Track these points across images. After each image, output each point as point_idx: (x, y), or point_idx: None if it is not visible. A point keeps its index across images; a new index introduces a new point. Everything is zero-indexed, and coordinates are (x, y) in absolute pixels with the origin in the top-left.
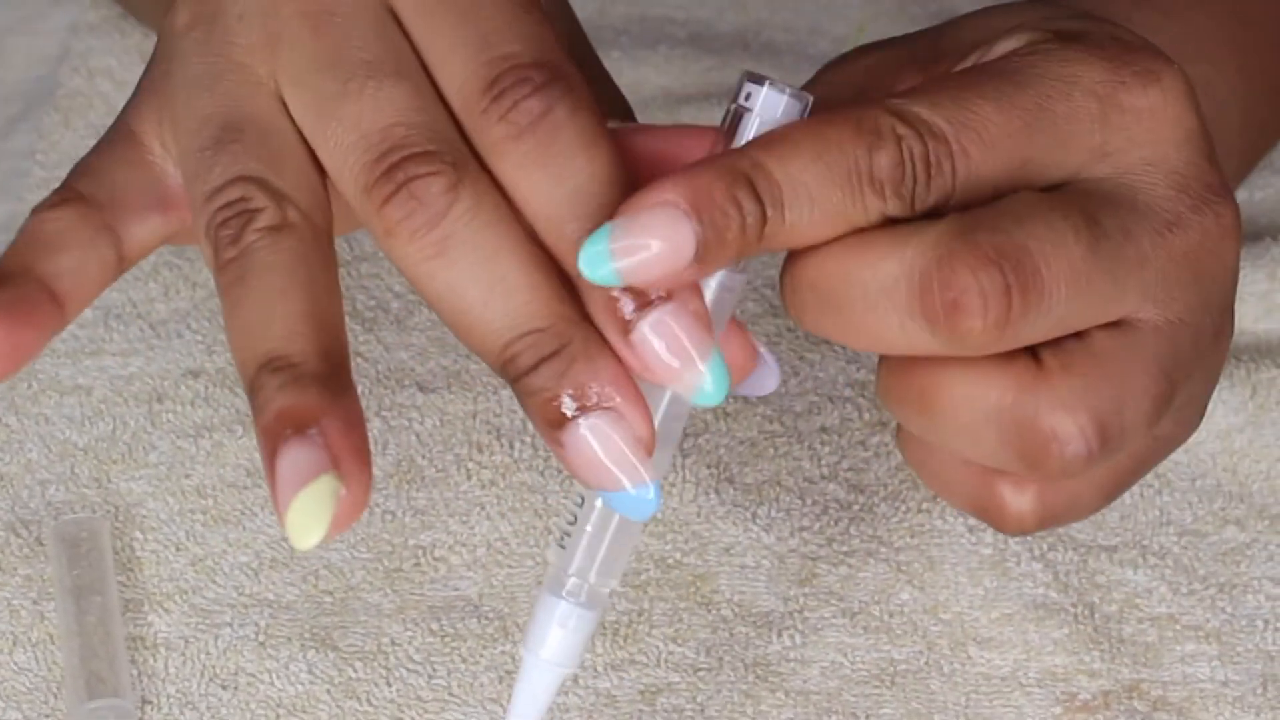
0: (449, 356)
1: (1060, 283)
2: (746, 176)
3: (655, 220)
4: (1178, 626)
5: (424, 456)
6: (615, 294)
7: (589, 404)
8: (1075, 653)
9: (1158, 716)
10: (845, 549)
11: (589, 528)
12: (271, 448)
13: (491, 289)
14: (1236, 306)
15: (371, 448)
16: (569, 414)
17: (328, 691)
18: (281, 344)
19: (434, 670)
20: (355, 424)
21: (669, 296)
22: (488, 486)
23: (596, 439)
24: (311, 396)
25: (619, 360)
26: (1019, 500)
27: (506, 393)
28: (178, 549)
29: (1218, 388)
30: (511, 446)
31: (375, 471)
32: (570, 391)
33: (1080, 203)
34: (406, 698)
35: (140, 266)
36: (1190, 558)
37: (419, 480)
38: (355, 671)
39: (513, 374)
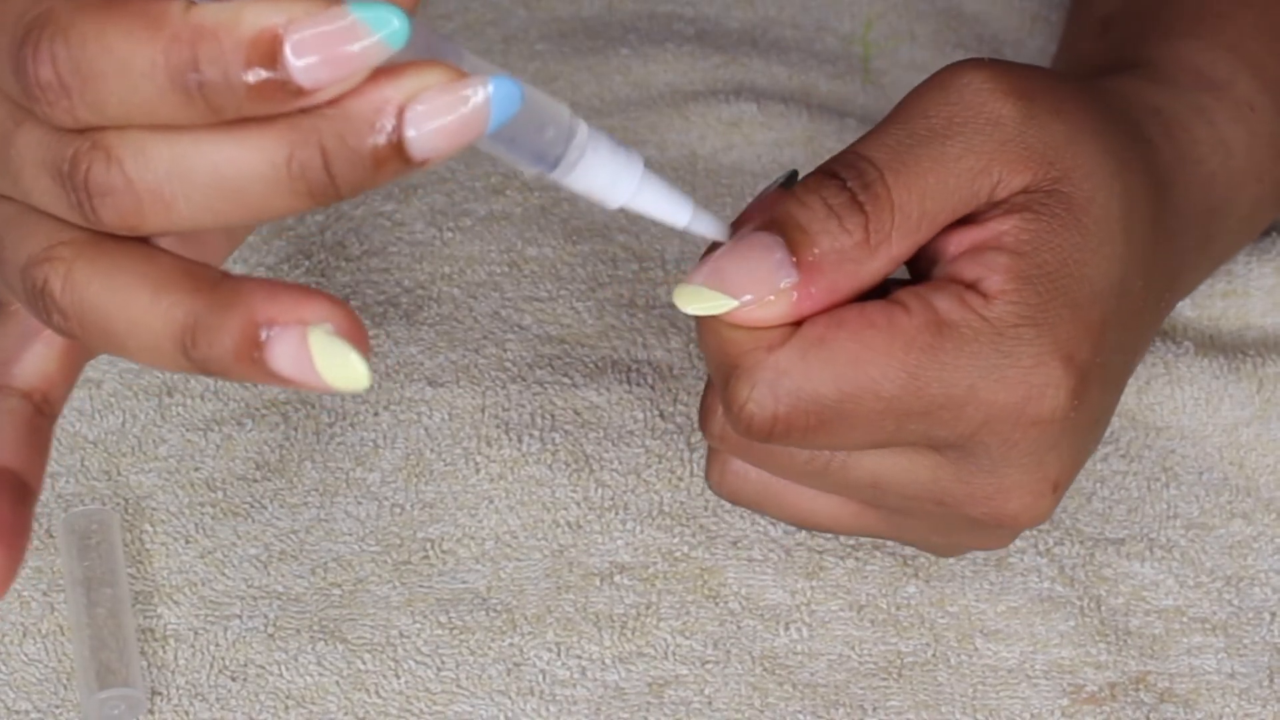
0: (457, 351)
1: None
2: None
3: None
4: (1184, 619)
5: (432, 450)
6: None
7: None
8: (1082, 645)
9: (1164, 708)
10: (852, 542)
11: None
12: None
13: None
14: (1244, 302)
15: (381, 442)
16: None
17: (336, 683)
18: None
19: (442, 662)
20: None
21: None
22: (496, 480)
23: None
24: None
25: None
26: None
27: (515, 387)
28: (187, 541)
29: (1224, 382)
30: (520, 440)
31: (384, 465)
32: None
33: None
34: (415, 689)
35: None
36: (1197, 550)
37: (427, 474)
38: (364, 663)
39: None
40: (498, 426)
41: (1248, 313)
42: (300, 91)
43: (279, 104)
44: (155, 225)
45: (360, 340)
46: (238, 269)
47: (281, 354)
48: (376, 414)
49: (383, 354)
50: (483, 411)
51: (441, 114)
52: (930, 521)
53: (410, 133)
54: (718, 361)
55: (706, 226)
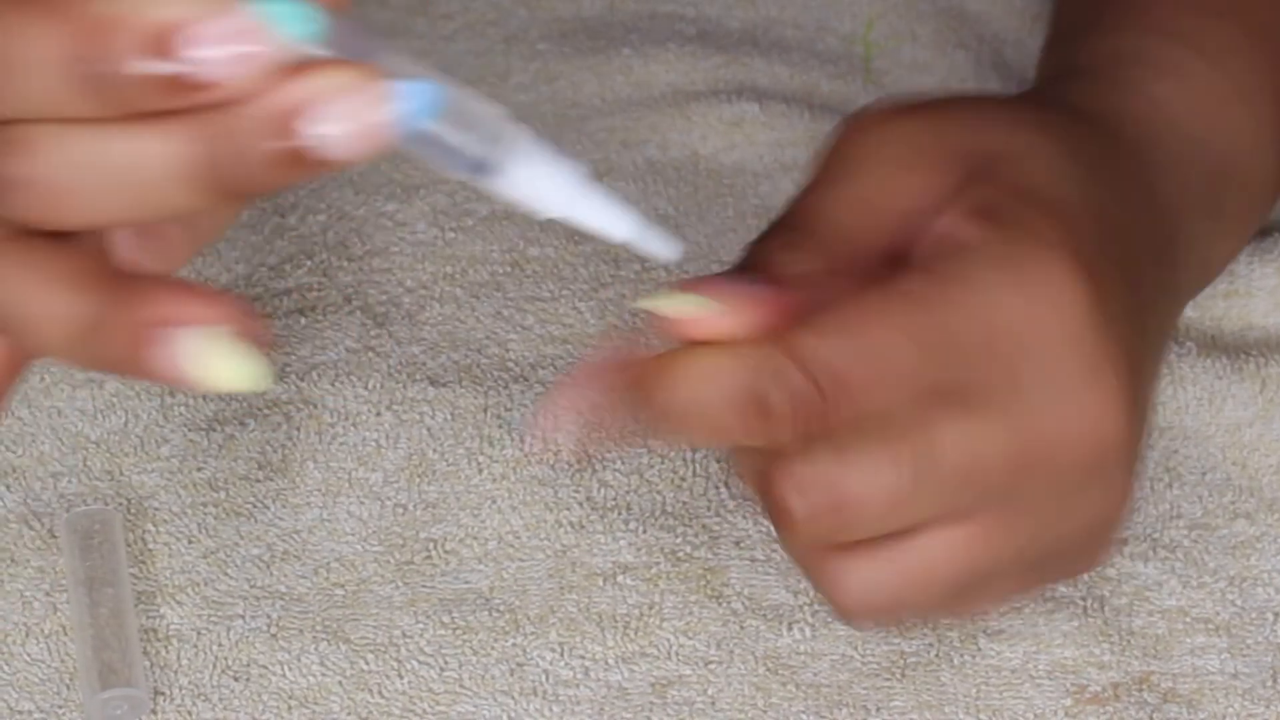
0: (460, 351)
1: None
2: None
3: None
4: (1188, 619)
5: (435, 450)
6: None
7: None
8: (1085, 645)
9: (1167, 708)
10: None
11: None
12: None
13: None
14: (1246, 302)
15: (384, 442)
16: None
17: (339, 683)
18: None
19: (445, 663)
20: None
21: None
22: (499, 480)
23: None
24: None
25: None
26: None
27: (518, 387)
28: (190, 541)
29: (1227, 382)
30: (522, 440)
31: (387, 465)
32: None
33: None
34: (418, 690)
35: None
36: (1200, 551)
37: (430, 474)
38: (367, 664)
39: None
40: (500, 426)
41: (1250, 313)
42: (199, 87)
43: (178, 99)
44: (62, 219)
45: (260, 341)
46: (240, 268)
47: (174, 353)
48: (379, 414)
49: (385, 354)
50: (485, 411)
51: (346, 117)
52: (1046, 500)
53: (312, 134)
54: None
55: (657, 245)
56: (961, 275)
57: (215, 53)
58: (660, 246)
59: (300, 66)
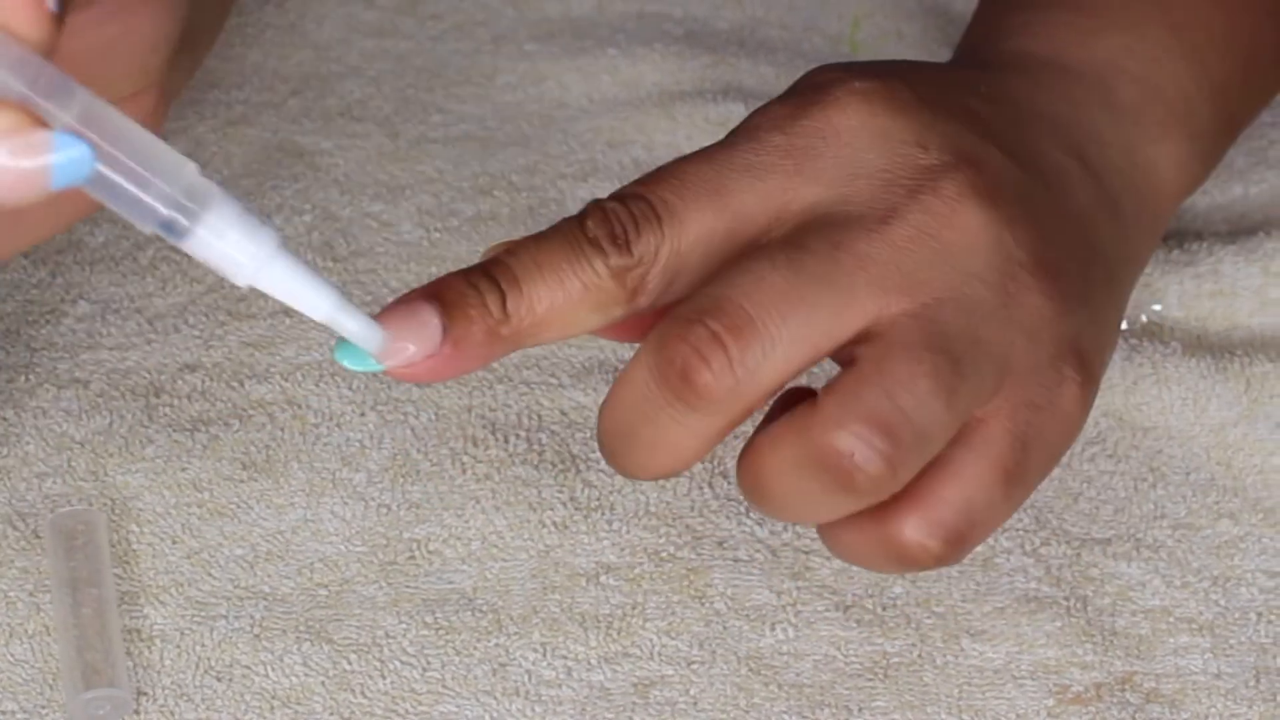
0: None
1: (769, 310)
2: (482, 267)
3: (406, 322)
4: (1171, 619)
5: (419, 451)
6: None
7: None
8: (1068, 645)
9: (1150, 708)
10: None
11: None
12: None
13: None
14: (1231, 302)
15: (368, 442)
16: None
17: (322, 684)
18: None
19: (428, 663)
20: None
21: None
22: (482, 480)
23: None
24: None
25: None
26: (913, 531)
27: (502, 387)
28: (174, 542)
29: (1211, 382)
30: (506, 441)
31: (370, 465)
32: None
33: (784, 237)
34: (401, 690)
35: (137, 261)
36: (1184, 551)
37: (414, 474)
38: (350, 664)
39: None
40: (484, 427)
41: (1235, 312)
42: None
43: None
44: None
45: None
46: None
47: None
48: (363, 414)
49: None
50: (469, 412)
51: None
52: (949, 277)
53: None
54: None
55: (354, 325)
56: (744, 120)
57: None
58: (361, 334)
59: None
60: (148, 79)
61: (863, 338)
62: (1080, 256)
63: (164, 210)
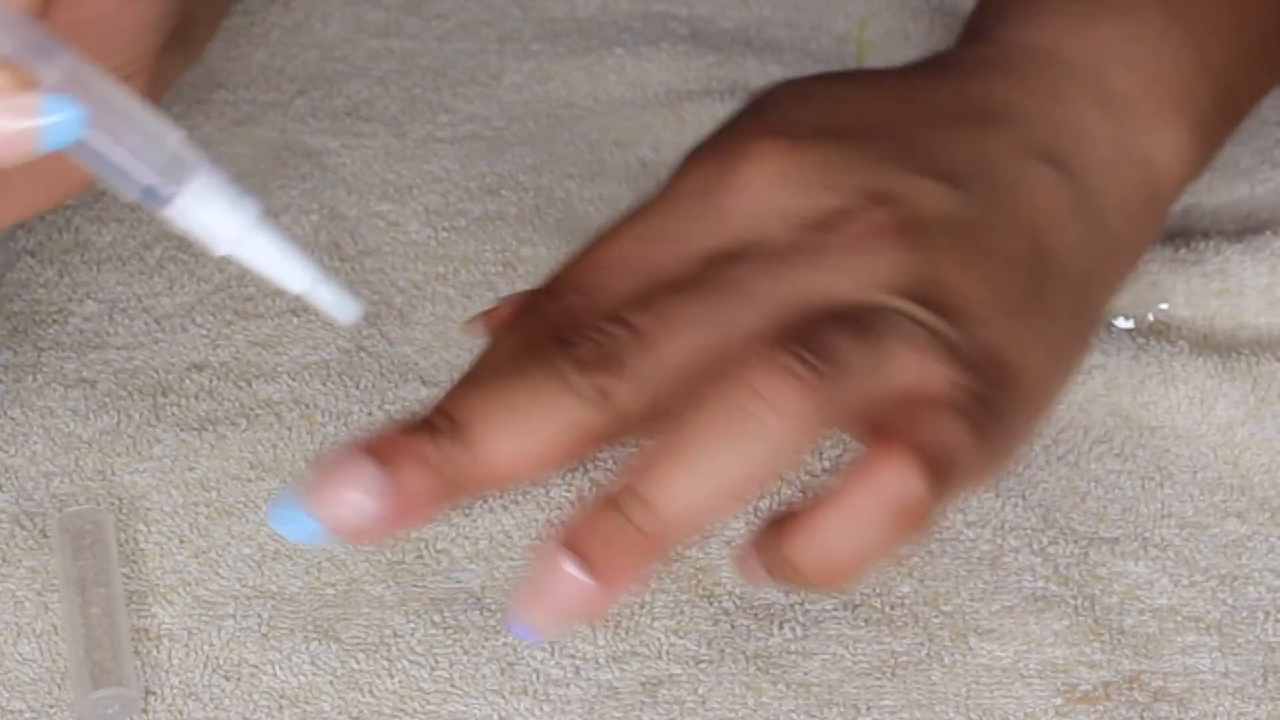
0: (452, 351)
1: (657, 331)
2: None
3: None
4: (1178, 618)
5: None
6: None
7: None
8: (1076, 644)
9: (1158, 707)
10: None
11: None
12: None
13: None
14: (1238, 300)
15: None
16: None
17: (330, 683)
18: None
19: (436, 662)
20: None
21: None
22: None
23: None
24: None
25: None
26: (898, 466)
27: None
28: (181, 541)
29: (1219, 381)
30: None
31: None
32: None
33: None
34: (409, 689)
35: (144, 260)
36: (1191, 550)
37: None
38: (358, 663)
39: None
40: None
41: (1242, 311)
42: None
43: None
44: None
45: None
46: (232, 268)
47: None
48: (370, 414)
49: (377, 354)
50: None
51: None
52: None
53: None
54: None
55: (335, 303)
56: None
57: None
58: (339, 305)
59: None
60: (140, 61)
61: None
62: (1028, 264)
63: (146, 178)
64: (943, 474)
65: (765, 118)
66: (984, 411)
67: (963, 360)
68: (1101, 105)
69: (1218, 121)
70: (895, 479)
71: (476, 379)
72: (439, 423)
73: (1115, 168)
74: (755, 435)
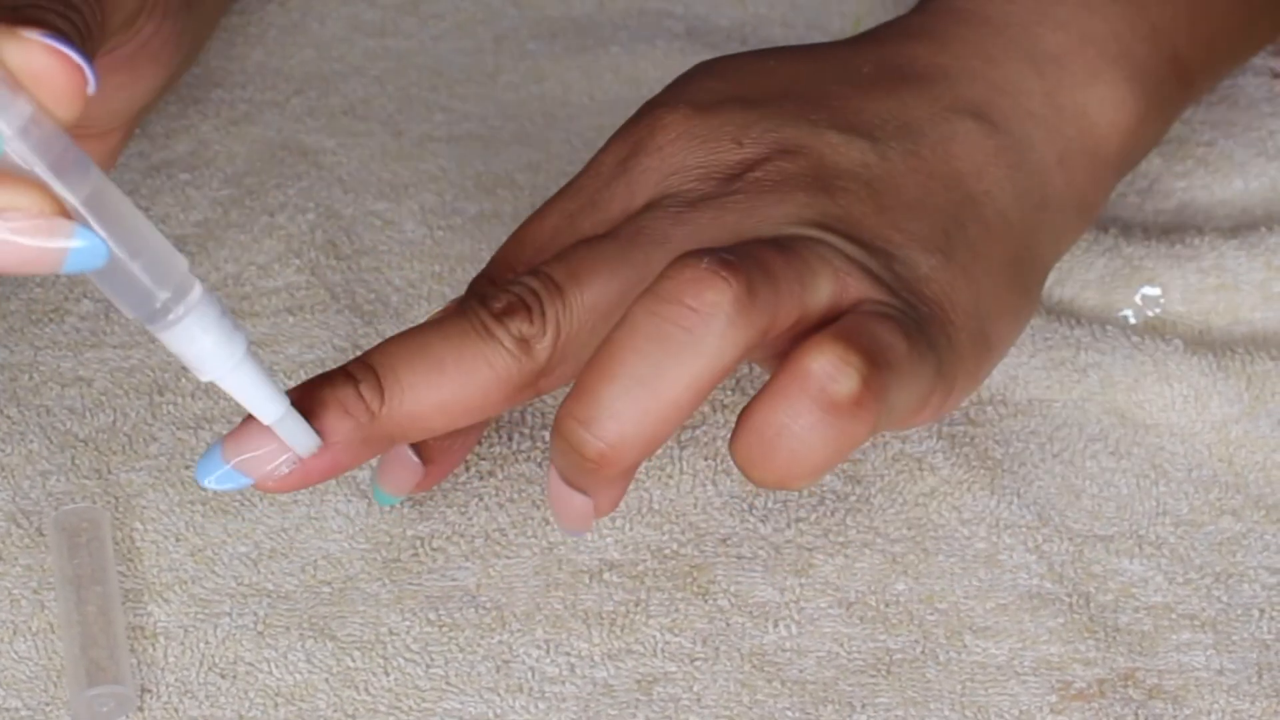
0: None
1: (573, 278)
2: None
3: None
4: (1173, 615)
5: None
6: None
7: None
8: (1070, 642)
9: (1153, 705)
10: (841, 540)
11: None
12: None
13: None
14: (1234, 296)
15: None
16: None
17: (326, 680)
18: None
19: (431, 659)
20: None
21: None
22: (485, 477)
23: None
24: None
25: None
26: (823, 355)
27: None
28: (177, 539)
29: (1213, 379)
30: (510, 438)
31: (374, 462)
32: None
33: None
34: (404, 687)
35: None
36: (1186, 547)
37: None
38: (353, 661)
39: None
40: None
41: (1238, 307)
42: None
43: None
44: None
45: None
46: (229, 267)
47: None
48: None
49: None
50: None
51: (17, 235)
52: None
53: None
54: None
55: (295, 433)
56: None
57: None
58: (299, 437)
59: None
60: (123, 121)
61: None
62: (947, 210)
63: (156, 299)
64: (874, 366)
65: (677, 94)
66: (913, 326)
67: (884, 286)
68: (1031, 63)
69: (1163, 77)
70: (826, 364)
71: (400, 335)
72: (358, 372)
73: (1048, 120)
74: (685, 343)
